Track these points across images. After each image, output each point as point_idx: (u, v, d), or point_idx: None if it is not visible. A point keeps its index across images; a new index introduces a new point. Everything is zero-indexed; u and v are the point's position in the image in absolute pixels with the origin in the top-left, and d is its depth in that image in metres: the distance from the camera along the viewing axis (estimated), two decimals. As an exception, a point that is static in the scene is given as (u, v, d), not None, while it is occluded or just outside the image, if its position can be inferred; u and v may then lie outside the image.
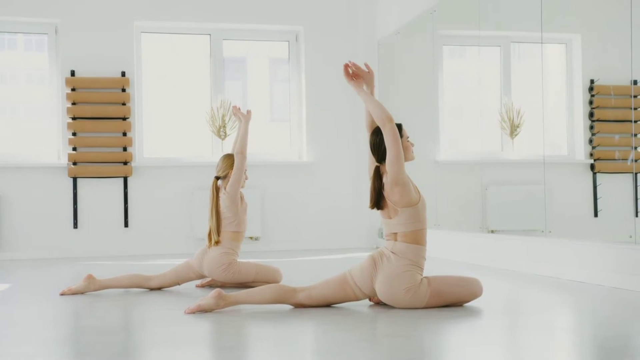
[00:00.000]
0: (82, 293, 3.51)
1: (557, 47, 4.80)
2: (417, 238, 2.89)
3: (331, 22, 6.60)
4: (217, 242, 3.66)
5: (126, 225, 6.14)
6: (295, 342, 2.38)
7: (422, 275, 2.89)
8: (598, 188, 4.40)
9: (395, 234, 2.91)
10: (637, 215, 4.14)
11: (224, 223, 3.70)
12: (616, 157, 4.35)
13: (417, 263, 2.87)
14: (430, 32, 5.63)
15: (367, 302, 3.07)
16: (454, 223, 5.47)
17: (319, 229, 6.45)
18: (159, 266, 4.91)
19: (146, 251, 6.13)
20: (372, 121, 3.02)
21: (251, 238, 6.27)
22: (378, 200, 2.93)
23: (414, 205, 2.89)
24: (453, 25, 5.50)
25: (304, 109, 6.58)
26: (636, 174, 4.21)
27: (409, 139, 3.01)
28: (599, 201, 4.38)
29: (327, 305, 2.97)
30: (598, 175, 4.39)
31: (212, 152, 6.43)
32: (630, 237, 3.91)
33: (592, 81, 4.41)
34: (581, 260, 3.86)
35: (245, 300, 2.91)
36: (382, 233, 6.42)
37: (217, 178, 3.81)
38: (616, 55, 4.46)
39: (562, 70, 4.69)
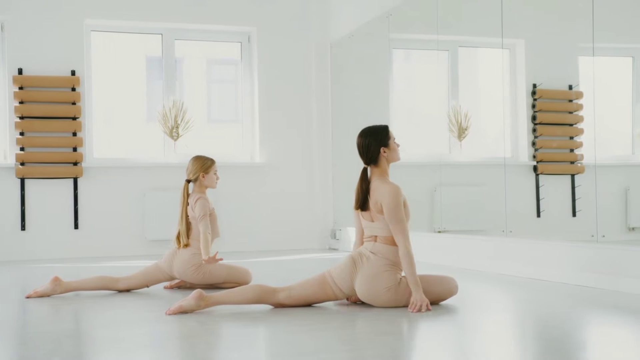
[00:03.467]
0: (48, 295, 3.44)
1: (502, 52, 4.94)
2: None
3: (284, 24, 6.63)
4: (185, 245, 3.65)
5: (76, 227, 6.05)
6: (280, 342, 2.40)
7: (401, 274, 2.94)
8: (540, 189, 4.54)
9: (376, 235, 2.97)
10: (574, 215, 4.31)
11: (193, 226, 3.70)
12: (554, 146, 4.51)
13: (396, 263, 2.92)
14: (385, 35, 5.72)
15: (351, 302, 3.08)
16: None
17: (272, 231, 6.48)
18: (110, 268, 4.86)
19: (97, 253, 6.06)
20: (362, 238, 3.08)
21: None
22: (363, 203, 2.98)
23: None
24: (407, 29, 5.60)
25: (256, 110, 6.60)
26: (573, 175, 4.37)
27: (395, 140, 3.06)
28: (541, 202, 4.52)
29: (307, 304, 3.00)
30: (540, 177, 4.54)
31: (164, 153, 6.40)
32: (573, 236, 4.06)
33: (534, 85, 4.56)
34: (528, 259, 3.98)
35: (226, 301, 2.92)
36: (334, 234, 6.48)
37: (188, 181, 3.79)
38: (557, 61, 4.62)
39: (507, 75, 4.83)
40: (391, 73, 5.83)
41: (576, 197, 4.34)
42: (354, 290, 2.95)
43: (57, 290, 3.45)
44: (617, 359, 2.09)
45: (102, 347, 2.35)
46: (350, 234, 6.19)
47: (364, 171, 3.02)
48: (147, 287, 3.68)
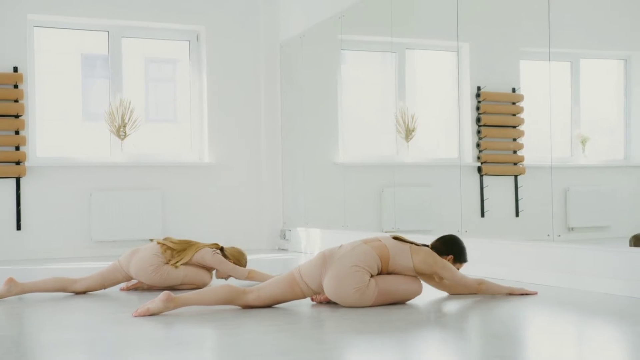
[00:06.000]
0: (3, 297, 3.31)
1: (448, 54, 5.00)
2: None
3: (233, 23, 6.59)
4: (173, 263, 3.61)
5: (18, 228, 5.89)
6: (255, 342, 2.36)
7: (370, 275, 2.95)
8: (485, 190, 4.61)
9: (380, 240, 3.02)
10: (517, 215, 4.39)
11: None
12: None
13: (366, 263, 2.93)
14: (337, 36, 5.73)
15: (317, 301, 3.08)
16: (357, 224, 5.58)
17: (221, 231, 6.42)
18: (56, 270, 4.75)
19: (40, 255, 5.91)
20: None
21: (151, 240, 6.15)
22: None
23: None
24: (359, 31, 5.62)
25: (205, 110, 6.54)
26: (516, 176, 4.46)
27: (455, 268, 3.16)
28: (485, 202, 4.59)
29: (276, 304, 2.99)
30: (485, 178, 4.61)
31: (111, 152, 6.28)
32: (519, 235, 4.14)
33: (478, 88, 4.62)
34: (476, 257, 4.04)
35: (195, 302, 2.87)
36: (284, 235, 6.47)
37: (221, 248, 3.77)
38: (500, 64, 4.70)
39: (453, 77, 4.89)
40: (340, 74, 5.85)
41: (519, 197, 4.42)
42: (322, 287, 2.95)
43: (12, 291, 3.33)
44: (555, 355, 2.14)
45: (62, 352, 2.27)
46: (300, 234, 6.19)
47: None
48: (105, 288, 3.59)
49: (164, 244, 3.65)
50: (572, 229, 4.17)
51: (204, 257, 3.66)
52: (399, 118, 5.20)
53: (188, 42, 6.60)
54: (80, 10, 6.16)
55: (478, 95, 4.63)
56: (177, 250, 3.65)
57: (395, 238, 3.07)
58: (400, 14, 5.09)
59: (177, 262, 3.61)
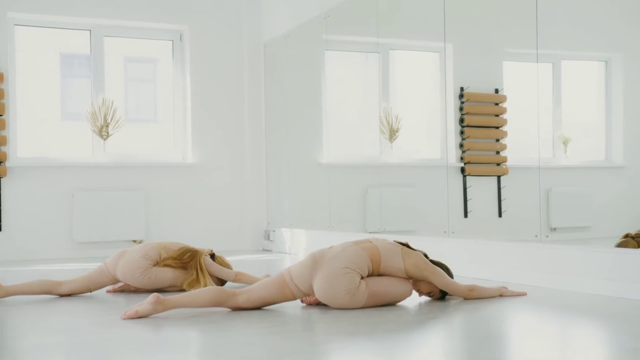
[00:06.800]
0: None
1: (432, 55, 5.03)
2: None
3: (216, 22, 6.56)
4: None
5: (-1, 228, 5.83)
6: (249, 345, 2.33)
7: (360, 277, 2.94)
8: (468, 190, 4.64)
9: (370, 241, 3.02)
10: (500, 216, 4.42)
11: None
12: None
13: (357, 265, 2.92)
14: (321, 36, 5.73)
15: (306, 303, 3.07)
16: (342, 224, 5.59)
17: (205, 232, 6.40)
18: (39, 272, 4.70)
19: (22, 256, 5.84)
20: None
21: (134, 241, 6.13)
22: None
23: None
24: (343, 31, 5.63)
25: (188, 110, 6.51)
26: (499, 177, 4.49)
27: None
28: (468, 202, 4.62)
29: (266, 306, 2.97)
30: (468, 178, 4.63)
31: (93, 152, 6.23)
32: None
33: (462, 88, 4.65)
34: (452, 257, 4.06)
35: (184, 304, 2.85)
36: (268, 235, 6.46)
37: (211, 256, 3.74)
38: (483, 65, 4.73)
39: (437, 78, 4.91)
40: (324, 74, 5.85)
41: (502, 198, 4.45)
42: (312, 289, 2.94)
43: None
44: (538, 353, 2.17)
45: (49, 356, 2.25)
46: (284, 235, 6.18)
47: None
48: (91, 291, 3.56)
49: (166, 259, 3.62)
50: (555, 229, 4.21)
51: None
52: (382, 118, 5.22)
53: (171, 41, 6.57)
54: (62, 9, 6.10)
55: (461, 96, 4.66)
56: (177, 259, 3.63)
57: (400, 244, 3.08)
58: (385, 14, 5.10)
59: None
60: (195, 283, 3.55)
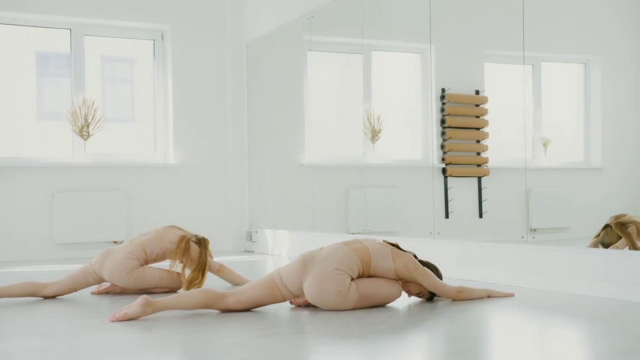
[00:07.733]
0: None
1: (414, 56, 5.07)
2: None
3: (198, 22, 6.54)
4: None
5: (-23, 230, 5.75)
6: (243, 347, 2.33)
7: (351, 278, 2.94)
8: (449, 191, 4.68)
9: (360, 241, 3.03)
10: (481, 217, 4.47)
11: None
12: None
13: (347, 266, 2.93)
14: (304, 37, 5.74)
15: (295, 305, 3.07)
16: (325, 225, 5.61)
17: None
18: (17, 274, 4.65)
19: (1, 258, 5.77)
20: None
21: (115, 242, 6.09)
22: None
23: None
24: (327, 32, 5.64)
25: (170, 110, 6.48)
26: (480, 177, 4.54)
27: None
28: (450, 203, 4.67)
29: (255, 307, 2.97)
30: (449, 179, 4.68)
31: (73, 152, 6.17)
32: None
33: (443, 90, 4.69)
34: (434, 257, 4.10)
35: (173, 306, 2.83)
36: (250, 236, 6.46)
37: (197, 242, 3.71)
38: (465, 66, 4.79)
39: (418, 79, 4.95)
40: (307, 75, 5.87)
41: (483, 199, 4.51)
42: (302, 290, 2.94)
43: None
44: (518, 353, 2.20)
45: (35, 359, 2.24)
46: (267, 236, 6.19)
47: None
48: (76, 291, 3.52)
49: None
50: (535, 230, 4.27)
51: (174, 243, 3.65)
52: (365, 119, 5.24)
53: (152, 41, 6.53)
54: (42, 7, 6.03)
55: (443, 97, 4.70)
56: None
57: (390, 244, 3.09)
58: (369, 15, 5.13)
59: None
60: (197, 283, 3.55)
